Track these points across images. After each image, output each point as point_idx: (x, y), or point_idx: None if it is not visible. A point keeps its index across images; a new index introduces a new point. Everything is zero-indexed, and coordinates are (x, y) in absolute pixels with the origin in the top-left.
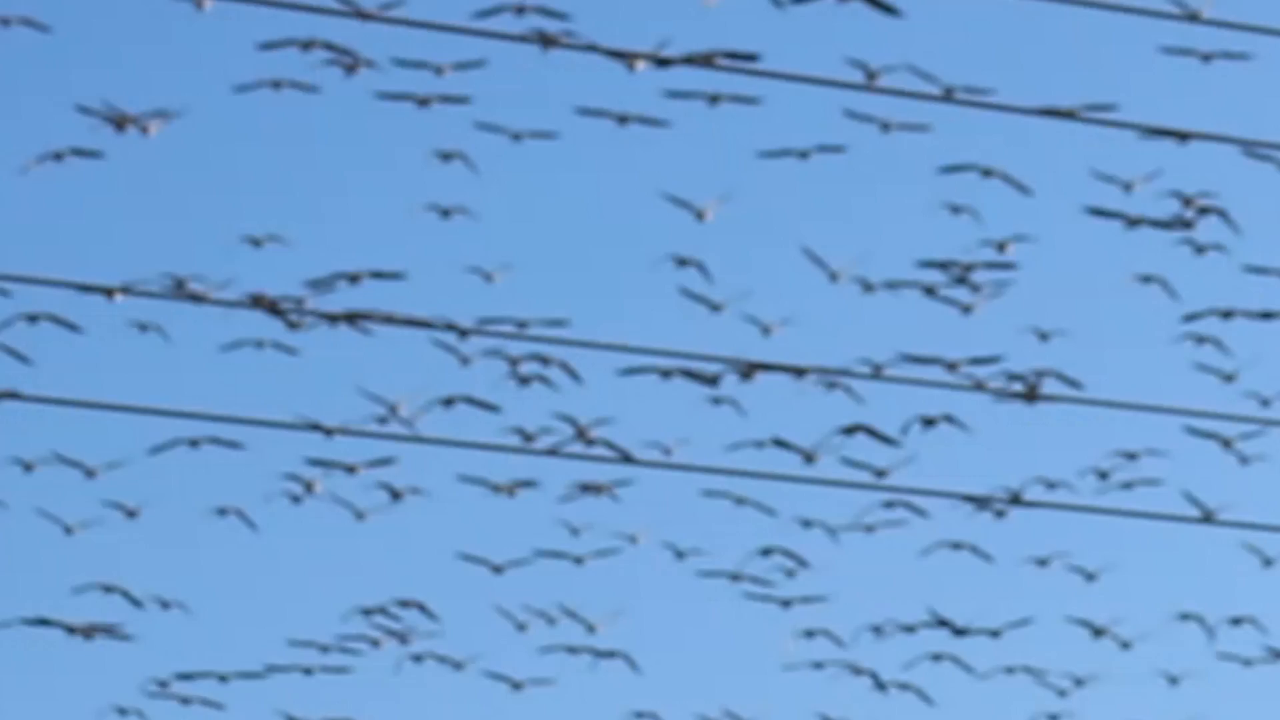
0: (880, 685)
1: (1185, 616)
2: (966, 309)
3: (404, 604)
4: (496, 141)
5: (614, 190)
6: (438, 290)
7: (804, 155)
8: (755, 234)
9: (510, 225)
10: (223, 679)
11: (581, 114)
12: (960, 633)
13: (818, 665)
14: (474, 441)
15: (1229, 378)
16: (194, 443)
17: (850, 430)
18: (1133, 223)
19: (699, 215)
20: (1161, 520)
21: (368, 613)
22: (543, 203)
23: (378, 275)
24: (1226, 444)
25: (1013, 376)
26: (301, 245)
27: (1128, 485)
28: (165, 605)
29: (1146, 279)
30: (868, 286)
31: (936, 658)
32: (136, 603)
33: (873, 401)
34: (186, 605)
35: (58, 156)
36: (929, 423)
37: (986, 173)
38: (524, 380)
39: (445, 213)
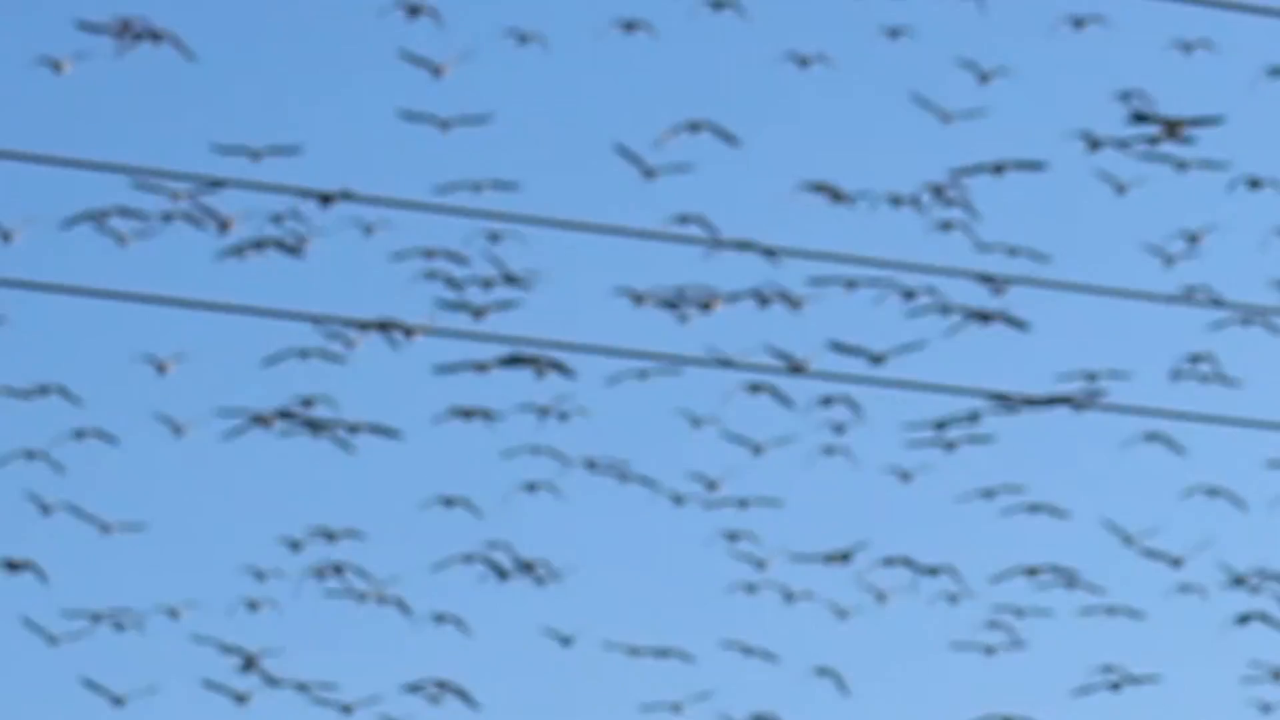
0: (790, 599)
1: (1126, 539)
2: (946, 226)
3: (329, 535)
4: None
5: (610, 98)
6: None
7: (804, 63)
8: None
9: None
10: (174, 614)
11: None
12: (888, 561)
13: (750, 588)
14: (440, 328)
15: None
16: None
17: (795, 368)
18: (1094, 144)
19: (693, 128)
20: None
21: (294, 545)
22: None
23: (348, 196)
24: (1194, 361)
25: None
26: (299, 157)
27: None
28: (106, 529)
29: (1121, 188)
30: (837, 197)
31: (880, 596)
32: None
33: (828, 322)
34: (138, 529)
35: (57, 66)
36: (876, 359)
37: (984, 77)
38: (479, 312)
39: (444, 124)
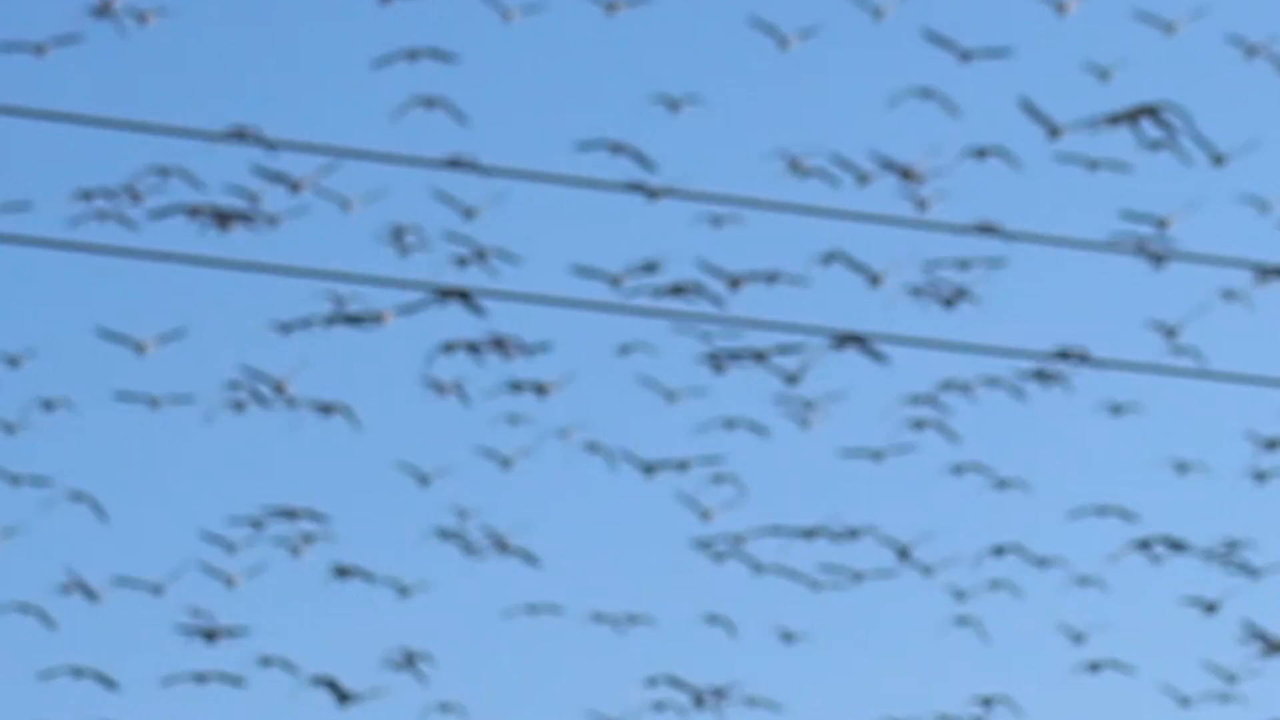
0: (758, 569)
1: (1103, 509)
2: (921, 205)
3: (289, 513)
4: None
5: (600, 75)
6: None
7: (784, 43)
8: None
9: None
10: (157, 591)
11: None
12: (853, 533)
13: (719, 557)
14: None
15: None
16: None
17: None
18: (1054, 132)
19: (673, 106)
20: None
21: (255, 524)
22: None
23: (308, 145)
24: (1170, 333)
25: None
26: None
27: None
28: (78, 497)
29: (1093, 164)
30: (796, 168)
31: (857, 577)
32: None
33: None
34: (101, 500)
35: (39, 49)
36: (844, 340)
37: (965, 55)
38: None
39: (429, 103)
